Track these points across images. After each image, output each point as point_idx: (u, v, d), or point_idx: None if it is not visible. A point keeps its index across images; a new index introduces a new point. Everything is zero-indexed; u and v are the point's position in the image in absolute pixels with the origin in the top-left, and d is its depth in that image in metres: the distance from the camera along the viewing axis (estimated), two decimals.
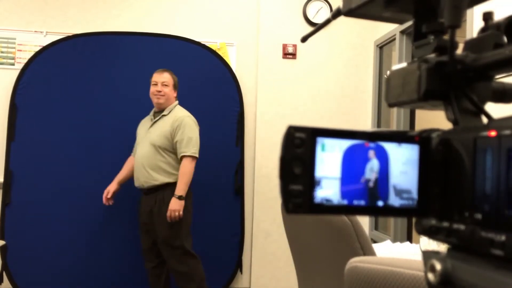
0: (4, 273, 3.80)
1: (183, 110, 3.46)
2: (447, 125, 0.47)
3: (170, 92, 3.44)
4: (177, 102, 3.52)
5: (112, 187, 3.54)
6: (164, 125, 3.36)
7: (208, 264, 4.01)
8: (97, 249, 3.88)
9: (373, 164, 0.44)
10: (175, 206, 3.23)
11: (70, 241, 3.85)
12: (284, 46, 4.20)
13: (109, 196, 3.51)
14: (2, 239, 3.76)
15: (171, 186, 3.29)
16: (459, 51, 0.48)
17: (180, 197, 3.24)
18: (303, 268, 1.78)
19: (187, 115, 3.41)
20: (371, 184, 0.43)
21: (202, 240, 3.96)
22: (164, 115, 3.41)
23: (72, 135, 3.90)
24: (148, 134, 3.39)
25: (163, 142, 3.32)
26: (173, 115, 3.38)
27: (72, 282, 3.83)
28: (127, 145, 3.71)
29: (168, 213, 3.23)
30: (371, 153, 0.44)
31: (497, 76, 0.48)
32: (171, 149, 3.33)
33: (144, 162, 3.32)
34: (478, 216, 0.40)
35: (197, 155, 3.33)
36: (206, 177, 3.98)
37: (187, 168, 3.28)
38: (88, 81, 3.95)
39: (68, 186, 3.87)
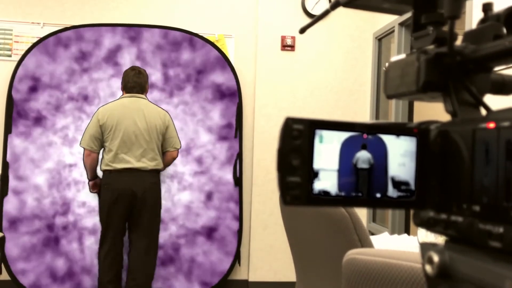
0: (2, 265, 3.81)
1: (112, 102, 3.49)
2: (445, 117, 0.47)
3: None
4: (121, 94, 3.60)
5: None
6: None
7: (206, 256, 4.01)
8: (94, 241, 3.89)
9: (362, 155, 0.43)
10: None
11: (67, 232, 3.86)
12: (283, 38, 4.19)
13: None
14: (0, 231, 3.76)
15: (104, 173, 3.41)
16: (458, 42, 0.47)
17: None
18: (301, 260, 1.78)
19: (103, 106, 3.45)
20: (354, 176, 0.43)
21: (200, 232, 3.97)
22: None
23: (69, 126, 3.89)
24: None
25: None
26: None
27: (69, 273, 3.84)
28: None
29: None
30: (362, 145, 0.43)
31: (497, 68, 0.47)
32: None
33: None
34: (476, 208, 0.39)
35: (84, 146, 3.40)
36: (205, 169, 3.99)
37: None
38: (85, 72, 3.93)
39: (66, 179, 3.87)
